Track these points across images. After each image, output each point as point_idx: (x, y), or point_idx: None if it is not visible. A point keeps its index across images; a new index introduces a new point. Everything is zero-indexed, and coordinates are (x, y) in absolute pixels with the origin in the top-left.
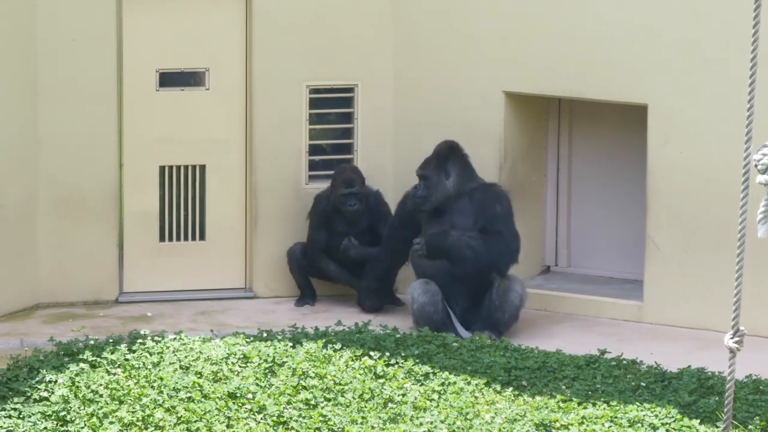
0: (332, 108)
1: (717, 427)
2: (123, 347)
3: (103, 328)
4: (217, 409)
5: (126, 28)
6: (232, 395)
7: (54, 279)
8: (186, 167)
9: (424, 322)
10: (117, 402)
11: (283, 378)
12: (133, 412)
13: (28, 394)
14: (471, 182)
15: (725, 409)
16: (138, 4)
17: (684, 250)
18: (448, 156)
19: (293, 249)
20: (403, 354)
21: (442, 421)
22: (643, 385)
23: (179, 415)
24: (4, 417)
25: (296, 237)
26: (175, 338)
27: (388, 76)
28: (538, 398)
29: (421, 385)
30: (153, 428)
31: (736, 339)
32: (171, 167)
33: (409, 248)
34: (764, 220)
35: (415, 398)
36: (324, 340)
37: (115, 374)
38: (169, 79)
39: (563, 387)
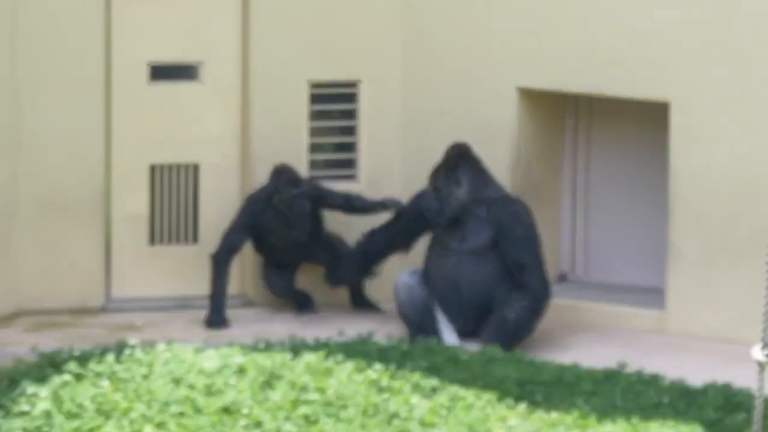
0: (335, 104)
1: None
2: (110, 358)
3: (88, 338)
4: (210, 424)
5: (115, 17)
6: (226, 409)
7: (37, 285)
8: (178, 166)
9: (405, 322)
10: (103, 416)
11: (281, 391)
12: (120, 428)
13: (8, 407)
14: (488, 189)
15: (754, 428)
16: None
17: (710, 256)
18: (458, 162)
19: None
20: (409, 366)
21: None
22: (666, 400)
23: (170, 431)
24: None
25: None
26: (166, 348)
27: (395, 70)
28: (553, 414)
29: (428, 400)
30: None
31: (766, 352)
32: (162, 166)
33: (410, 241)
34: None
35: (422, 414)
36: (325, 351)
37: (101, 387)
38: (160, 73)
39: (580, 402)
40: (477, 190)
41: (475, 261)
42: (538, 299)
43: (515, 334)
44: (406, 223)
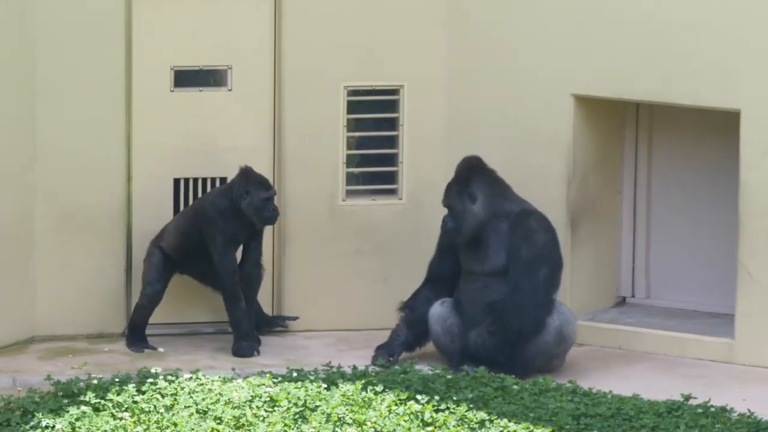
0: (374, 113)
1: None
2: (131, 388)
3: (108, 366)
4: None
5: (136, 18)
6: None
7: (52, 308)
8: (204, 180)
9: (442, 352)
10: None
11: (315, 424)
12: None
13: None
14: (507, 202)
15: None
16: None
17: None
18: (470, 177)
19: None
20: (454, 398)
21: None
22: None
23: None
24: None
25: (332, 262)
26: (191, 378)
27: (439, 75)
28: None
29: None
30: None
31: None
32: (187, 180)
33: (455, 278)
34: None
35: None
36: (363, 381)
37: (121, 419)
38: (185, 78)
39: None
40: (495, 204)
41: (500, 283)
42: (508, 330)
43: (479, 360)
44: (438, 254)
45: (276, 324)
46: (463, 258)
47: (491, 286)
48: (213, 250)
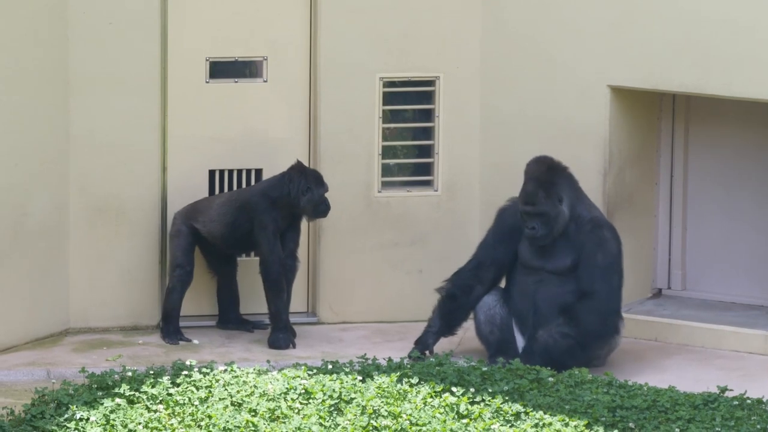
0: (409, 104)
1: None
2: (165, 380)
3: (142, 358)
4: None
5: (172, 9)
6: None
7: (86, 300)
8: (240, 171)
9: (483, 342)
10: None
11: (350, 417)
12: None
13: None
14: (580, 205)
15: None
16: None
17: None
18: (554, 179)
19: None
20: (490, 390)
21: None
22: None
23: None
24: None
25: (367, 254)
26: (225, 370)
27: (474, 67)
28: None
29: (511, 427)
30: None
31: None
32: (222, 171)
33: (503, 267)
34: None
35: None
36: (398, 374)
37: (156, 411)
38: (221, 70)
39: (677, 430)
40: (573, 208)
41: (557, 282)
42: (584, 333)
43: (547, 361)
44: (494, 242)
45: (244, 324)
46: (524, 251)
47: (547, 282)
48: (263, 240)
